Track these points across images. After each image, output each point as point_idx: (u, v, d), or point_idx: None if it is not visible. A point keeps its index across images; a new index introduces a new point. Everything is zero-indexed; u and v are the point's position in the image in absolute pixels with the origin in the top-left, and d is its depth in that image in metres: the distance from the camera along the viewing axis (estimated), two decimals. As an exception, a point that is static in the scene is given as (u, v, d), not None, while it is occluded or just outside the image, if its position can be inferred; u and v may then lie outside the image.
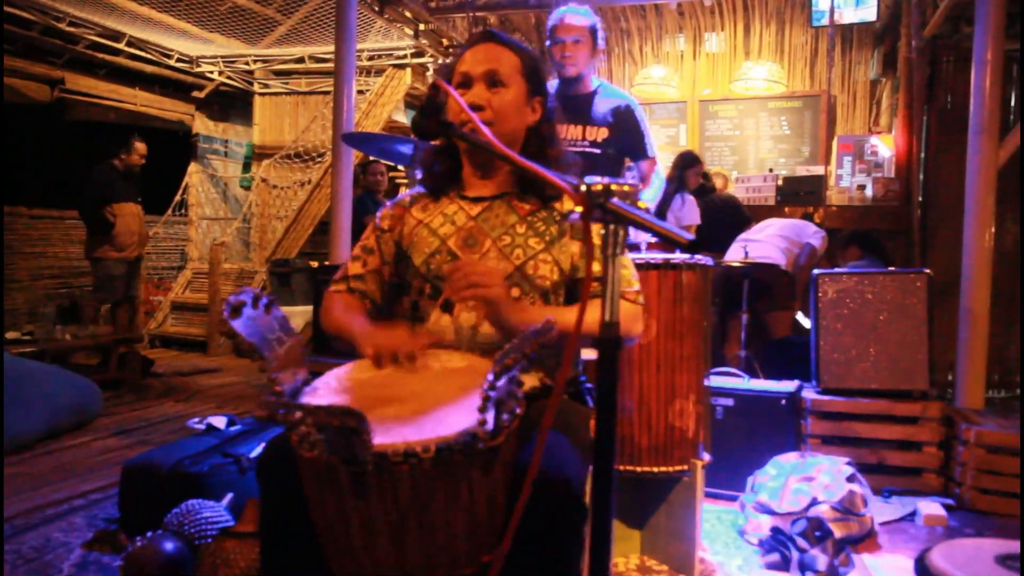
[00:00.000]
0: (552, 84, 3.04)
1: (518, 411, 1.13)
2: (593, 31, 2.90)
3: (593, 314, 0.87)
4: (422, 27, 6.35)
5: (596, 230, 0.95)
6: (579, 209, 0.85)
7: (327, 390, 1.25)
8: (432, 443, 1.05)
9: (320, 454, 1.08)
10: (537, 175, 0.95)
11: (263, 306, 1.28)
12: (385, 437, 1.06)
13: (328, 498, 1.12)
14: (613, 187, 0.82)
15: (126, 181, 5.66)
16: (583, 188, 0.84)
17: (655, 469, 2.22)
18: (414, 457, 1.04)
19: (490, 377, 1.06)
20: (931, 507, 2.84)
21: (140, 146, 5.63)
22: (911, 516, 2.84)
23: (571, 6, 2.93)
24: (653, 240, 2.34)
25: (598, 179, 0.84)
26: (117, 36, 7.27)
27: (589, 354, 1.70)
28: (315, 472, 1.12)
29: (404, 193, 1.70)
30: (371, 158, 5.39)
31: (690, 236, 0.82)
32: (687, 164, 5.11)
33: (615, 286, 0.83)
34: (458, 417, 1.11)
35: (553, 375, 1.49)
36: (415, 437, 1.07)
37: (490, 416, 1.07)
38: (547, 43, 2.97)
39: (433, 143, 1.60)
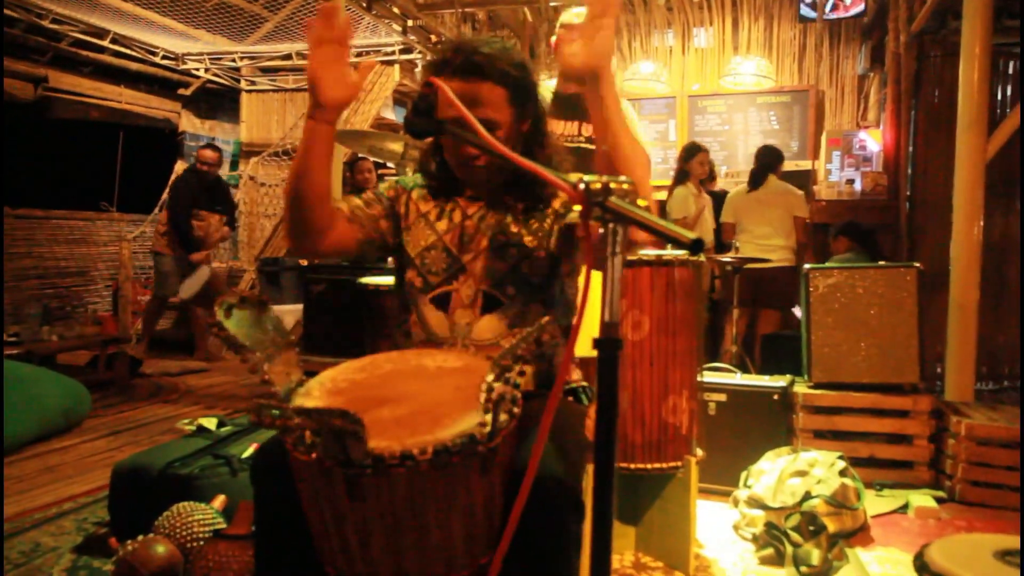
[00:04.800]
0: (551, 82, 3.04)
1: (515, 412, 1.12)
2: None
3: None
4: (410, 23, 6.31)
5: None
6: (578, 208, 0.84)
7: (321, 391, 1.24)
8: (429, 445, 1.04)
9: (315, 457, 1.07)
10: (538, 176, 0.93)
11: (256, 307, 1.26)
12: (381, 439, 1.05)
13: (323, 500, 1.11)
14: (612, 185, 0.81)
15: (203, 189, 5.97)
16: (582, 186, 0.83)
17: (649, 466, 2.22)
18: (411, 459, 1.04)
19: (488, 378, 1.05)
20: (922, 500, 2.85)
21: (207, 153, 5.89)
22: (903, 509, 2.85)
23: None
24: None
25: (597, 177, 0.83)
26: (101, 33, 7.18)
27: (586, 353, 1.70)
28: (310, 474, 1.11)
29: (405, 177, 1.69)
30: (359, 155, 5.37)
31: (690, 234, 0.80)
32: (688, 154, 5.12)
33: (615, 286, 0.82)
34: (454, 418, 1.10)
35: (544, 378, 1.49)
36: (411, 439, 1.06)
37: (487, 417, 1.06)
38: (553, 37, 2.96)
39: (426, 142, 1.58)
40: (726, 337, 4.62)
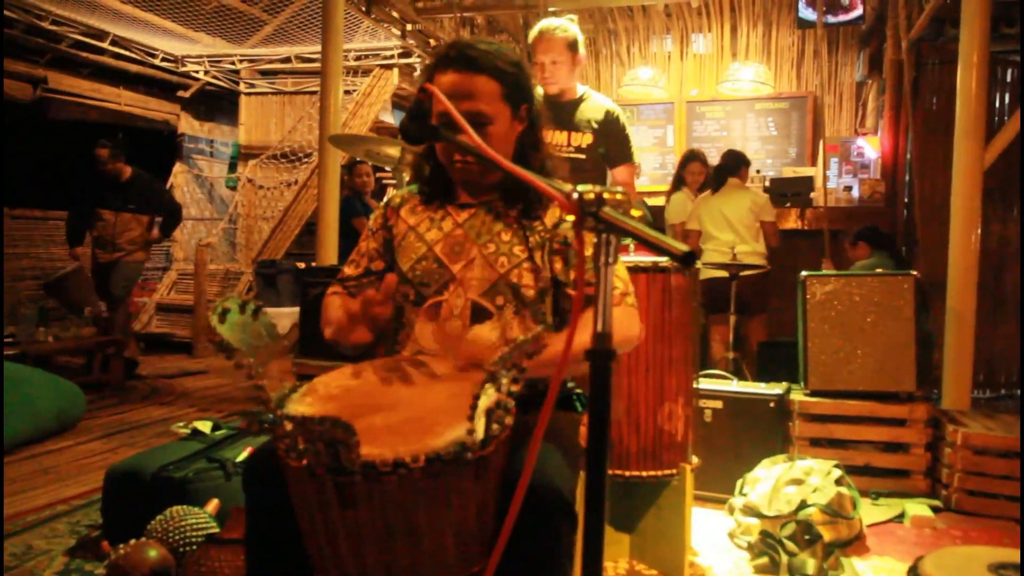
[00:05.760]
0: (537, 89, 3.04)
1: (508, 421, 1.11)
2: (572, 45, 2.87)
3: (583, 335, 0.85)
4: (409, 27, 6.32)
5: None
6: (571, 218, 0.84)
7: (314, 397, 1.23)
8: (421, 453, 1.03)
9: (307, 464, 1.06)
10: (531, 184, 0.93)
11: (249, 312, 1.26)
12: (373, 446, 1.04)
13: (315, 507, 1.11)
14: (606, 195, 0.81)
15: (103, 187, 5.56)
16: (575, 196, 0.82)
17: (644, 473, 2.21)
18: (403, 467, 1.03)
19: (481, 387, 1.05)
20: (918, 509, 2.85)
21: (99, 151, 5.43)
22: (899, 518, 2.84)
23: (550, 20, 2.90)
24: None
25: (591, 187, 0.82)
26: (101, 35, 7.19)
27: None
28: (302, 481, 1.10)
29: (394, 193, 1.69)
30: (357, 159, 5.37)
31: (683, 246, 0.80)
32: (683, 162, 5.10)
33: (608, 296, 0.82)
34: (447, 426, 1.09)
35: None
36: (404, 446, 1.05)
37: (480, 426, 1.06)
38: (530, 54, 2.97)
39: (420, 147, 1.58)
40: (713, 345, 4.58)
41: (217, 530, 2.14)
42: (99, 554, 2.26)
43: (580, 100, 2.98)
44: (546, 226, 1.51)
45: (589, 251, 0.86)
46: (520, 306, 1.47)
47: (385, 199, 1.68)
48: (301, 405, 1.20)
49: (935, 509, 2.88)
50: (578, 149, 2.93)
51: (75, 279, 5.29)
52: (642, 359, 2.20)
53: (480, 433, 1.06)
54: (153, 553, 1.99)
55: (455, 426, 1.08)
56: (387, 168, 4.74)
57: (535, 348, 1.08)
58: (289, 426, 1.05)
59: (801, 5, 5.98)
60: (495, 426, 1.08)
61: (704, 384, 3.03)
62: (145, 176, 5.60)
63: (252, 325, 1.27)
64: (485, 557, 1.15)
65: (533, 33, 2.92)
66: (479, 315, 1.46)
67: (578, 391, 1.62)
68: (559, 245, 1.51)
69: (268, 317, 1.29)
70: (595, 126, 2.94)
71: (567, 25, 2.89)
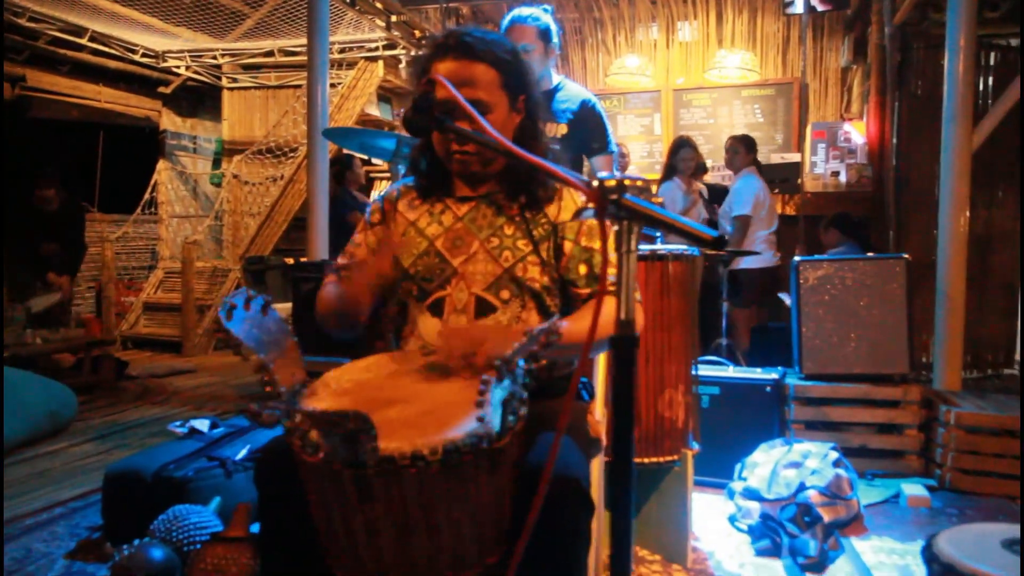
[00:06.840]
0: None
1: (523, 411, 1.12)
2: (544, 34, 2.85)
3: (604, 317, 0.85)
4: (394, 18, 6.28)
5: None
6: (592, 205, 0.83)
7: (326, 392, 1.23)
8: (439, 445, 1.03)
9: (324, 459, 1.06)
10: (540, 175, 0.93)
11: (258, 307, 1.25)
12: (390, 440, 1.04)
13: (331, 501, 1.11)
14: (627, 182, 0.81)
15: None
16: (596, 184, 0.82)
17: (646, 460, 2.22)
18: (421, 460, 1.03)
19: (496, 378, 1.05)
20: (914, 489, 2.88)
21: (45, 192, 5.29)
22: (895, 498, 2.88)
23: (520, 10, 2.87)
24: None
25: (610, 175, 0.82)
26: (79, 31, 7.08)
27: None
28: (318, 476, 1.10)
29: (391, 186, 1.67)
30: (348, 152, 5.33)
31: (712, 232, 0.80)
32: (675, 149, 5.11)
33: (630, 283, 0.82)
34: (462, 418, 1.09)
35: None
36: (421, 439, 1.05)
37: (496, 417, 1.06)
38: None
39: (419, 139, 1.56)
40: (740, 331, 4.63)
41: (220, 528, 2.13)
42: (101, 555, 2.25)
43: (555, 90, 2.96)
44: (550, 219, 1.50)
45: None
46: (527, 300, 1.47)
47: (381, 193, 1.66)
48: (314, 400, 1.19)
49: (930, 488, 2.92)
50: (553, 139, 2.92)
51: (59, 308, 5.32)
52: (642, 347, 2.21)
53: (496, 424, 1.06)
54: (158, 553, 1.98)
55: (470, 418, 1.08)
56: (375, 161, 4.71)
57: (549, 339, 1.08)
58: (305, 421, 1.05)
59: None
60: (511, 417, 1.09)
61: (701, 370, 3.04)
62: (73, 204, 5.55)
63: (260, 320, 1.26)
64: (500, 547, 1.15)
65: (504, 22, 2.88)
66: (484, 309, 1.45)
67: (584, 379, 1.62)
68: (563, 239, 1.49)
69: (277, 312, 1.28)
70: (570, 117, 2.93)
71: (539, 13, 2.86)
